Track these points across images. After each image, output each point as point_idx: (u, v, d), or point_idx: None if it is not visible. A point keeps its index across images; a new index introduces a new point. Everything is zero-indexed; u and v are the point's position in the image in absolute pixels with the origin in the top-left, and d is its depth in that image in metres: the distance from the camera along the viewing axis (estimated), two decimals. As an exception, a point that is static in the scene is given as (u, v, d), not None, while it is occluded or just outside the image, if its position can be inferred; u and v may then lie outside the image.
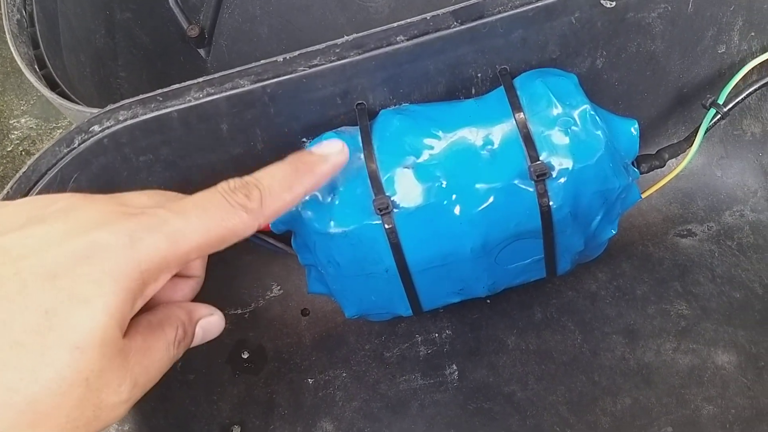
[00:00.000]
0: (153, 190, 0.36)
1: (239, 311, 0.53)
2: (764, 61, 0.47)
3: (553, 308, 0.50)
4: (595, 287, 0.51)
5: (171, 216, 0.29)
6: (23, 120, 1.28)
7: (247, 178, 0.34)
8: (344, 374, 0.50)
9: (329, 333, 0.52)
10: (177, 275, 0.33)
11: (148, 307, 0.31)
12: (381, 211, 0.40)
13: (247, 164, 0.46)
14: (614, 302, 0.50)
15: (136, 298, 0.28)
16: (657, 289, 0.50)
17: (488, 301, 0.51)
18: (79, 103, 0.46)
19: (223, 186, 0.32)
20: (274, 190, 0.34)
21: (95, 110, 0.43)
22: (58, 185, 0.42)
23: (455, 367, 0.49)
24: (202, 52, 0.74)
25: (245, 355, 0.52)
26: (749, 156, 0.54)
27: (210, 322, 0.35)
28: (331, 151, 0.37)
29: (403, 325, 0.51)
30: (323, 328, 0.52)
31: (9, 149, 1.21)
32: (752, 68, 0.47)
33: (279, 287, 0.54)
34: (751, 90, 0.47)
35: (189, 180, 0.46)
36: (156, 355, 0.30)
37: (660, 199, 0.55)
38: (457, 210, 0.41)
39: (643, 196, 0.48)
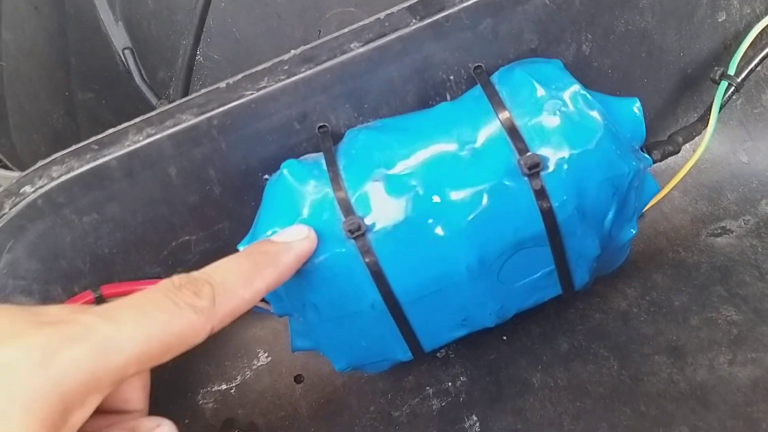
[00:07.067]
0: (76, 304, 0.31)
1: (224, 387, 0.47)
2: (772, 22, 0.42)
3: (581, 335, 0.43)
4: (625, 305, 0.44)
5: (98, 322, 0.24)
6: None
7: (195, 273, 0.29)
8: (349, 444, 0.43)
9: (328, 399, 0.45)
10: (109, 411, 0.28)
11: None
12: (352, 233, 0.34)
13: (206, 214, 0.42)
14: (650, 319, 0.43)
15: (57, 429, 0.22)
16: (698, 297, 0.43)
17: (504, 337, 0.45)
18: (13, 170, 0.42)
19: (165, 283, 0.27)
20: (228, 286, 0.28)
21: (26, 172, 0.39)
22: (-11, 256, 0.37)
23: (476, 418, 0.42)
24: (175, 126, 0.70)
25: (236, 437, 0.45)
26: (776, 135, 0.47)
27: None
28: (295, 238, 0.33)
29: (411, 377, 0.45)
30: (321, 394, 0.46)
31: None
32: (760, 32, 0.42)
33: (266, 354, 0.48)
34: (763, 54, 0.42)
35: (144, 240, 0.41)
36: None
37: (684, 199, 0.48)
38: (441, 223, 0.35)
39: (664, 188, 0.42)
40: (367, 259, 0.34)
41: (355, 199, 0.35)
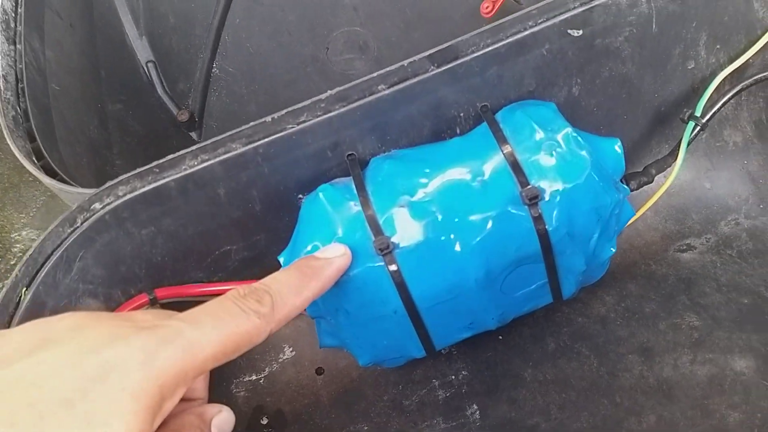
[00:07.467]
0: (152, 309, 0.37)
1: (254, 377, 0.53)
2: (733, 71, 0.49)
3: (566, 336, 0.50)
4: (604, 311, 0.51)
5: (185, 326, 0.29)
6: (24, 233, 1.28)
7: (255, 284, 0.34)
8: (366, 428, 0.49)
9: (346, 389, 0.52)
10: (181, 399, 0.33)
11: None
12: (382, 251, 0.40)
13: (247, 227, 0.48)
14: (625, 323, 0.50)
15: (155, 415, 0.27)
16: (665, 304, 0.50)
17: (500, 337, 0.51)
18: (75, 185, 0.48)
19: (233, 293, 0.33)
20: (283, 295, 0.34)
21: (95, 190, 0.44)
22: (65, 265, 0.42)
23: (476, 407, 0.48)
24: (193, 135, 0.76)
25: (264, 421, 0.51)
26: (735, 165, 0.55)
27: (223, 419, 0.34)
28: (334, 255, 0.39)
29: (419, 371, 0.51)
30: (339, 385, 0.52)
31: (12, 263, 1.21)
32: (723, 79, 0.49)
33: (291, 349, 0.54)
34: (726, 99, 0.49)
35: (192, 249, 0.47)
36: None
37: (655, 218, 0.55)
38: (456, 242, 0.41)
39: (638, 212, 0.49)
40: (393, 273, 0.41)
41: (383, 221, 0.41)
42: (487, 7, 0.74)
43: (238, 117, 0.78)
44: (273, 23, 0.78)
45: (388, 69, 0.44)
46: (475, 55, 0.44)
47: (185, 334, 0.29)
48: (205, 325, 0.30)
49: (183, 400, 0.35)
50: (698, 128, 0.49)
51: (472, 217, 0.41)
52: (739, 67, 0.49)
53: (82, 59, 0.66)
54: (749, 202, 0.54)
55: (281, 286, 0.35)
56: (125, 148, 0.68)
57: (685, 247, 0.54)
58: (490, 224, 0.41)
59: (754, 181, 0.54)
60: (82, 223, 0.43)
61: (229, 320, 0.31)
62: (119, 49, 0.71)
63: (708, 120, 0.49)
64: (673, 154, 0.49)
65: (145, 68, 0.73)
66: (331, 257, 0.39)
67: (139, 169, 0.43)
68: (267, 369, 0.53)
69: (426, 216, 0.41)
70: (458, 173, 0.43)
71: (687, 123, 0.49)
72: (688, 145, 0.49)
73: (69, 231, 0.43)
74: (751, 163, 0.54)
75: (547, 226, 0.41)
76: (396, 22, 0.78)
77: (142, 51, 0.73)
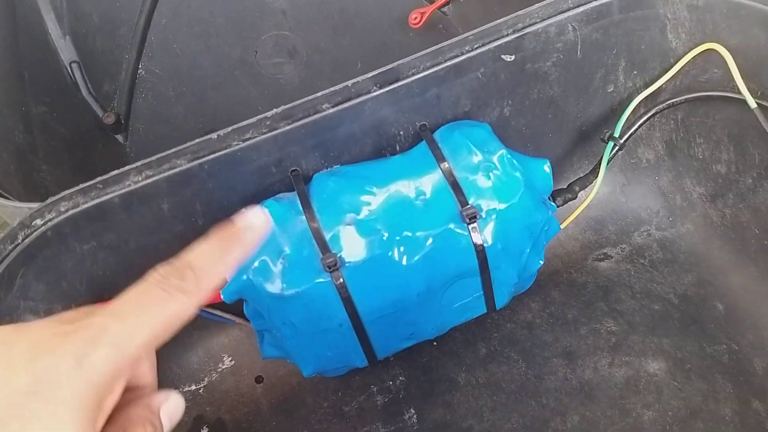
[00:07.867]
0: (86, 306, 0.37)
1: (194, 387, 0.54)
2: (648, 95, 0.53)
3: (496, 341, 0.53)
4: (530, 317, 0.55)
5: (109, 321, 0.28)
6: None
7: (174, 261, 0.33)
8: (306, 434, 0.51)
9: (286, 397, 0.53)
10: (127, 388, 0.32)
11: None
12: (330, 268, 0.42)
13: (188, 240, 0.48)
14: (550, 328, 0.54)
15: (96, 417, 0.27)
16: (585, 311, 0.54)
17: (435, 343, 0.54)
18: (12, 199, 0.47)
19: (153, 275, 0.31)
20: (206, 267, 0.33)
21: (33, 205, 0.44)
22: (7, 282, 0.41)
23: (413, 411, 0.51)
24: (120, 137, 0.75)
25: (205, 431, 0.52)
26: (647, 180, 0.59)
27: (171, 406, 0.33)
28: (253, 219, 0.37)
29: (358, 378, 0.53)
30: (279, 393, 0.53)
31: None
32: (639, 102, 0.53)
33: (231, 358, 0.55)
34: (642, 121, 0.53)
35: (133, 263, 0.47)
36: None
37: (576, 229, 0.59)
38: (400, 259, 0.43)
39: (562, 226, 0.52)
40: (339, 288, 0.43)
41: (329, 237, 0.43)
42: (415, 18, 0.76)
43: (166, 119, 0.77)
44: (200, 24, 0.77)
45: (332, 89, 0.45)
46: (416, 77, 0.46)
47: (111, 330, 0.28)
48: (130, 316, 0.29)
49: (130, 388, 0.34)
50: (617, 148, 0.52)
51: (416, 235, 0.44)
52: (654, 91, 0.53)
53: (4, 61, 0.64)
54: (660, 214, 0.59)
55: (203, 257, 0.33)
56: (51, 152, 0.66)
57: (602, 257, 0.58)
58: (431, 241, 0.44)
59: (664, 196, 0.59)
60: (23, 240, 0.42)
61: (153, 305, 0.30)
62: (42, 50, 0.69)
63: (626, 140, 0.53)
64: (594, 171, 0.53)
65: (69, 69, 0.71)
66: (250, 221, 0.37)
67: (82, 185, 0.43)
68: (206, 379, 0.54)
69: (372, 234, 0.43)
70: (402, 192, 0.45)
71: (607, 143, 0.53)
72: (608, 164, 0.53)
73: (10, 248, 0.42)
74: (661, 179, 0.59)
75: (484, 243, 0.44)
76: (325, 28, 0.79)
77: (66, 51, 0.71)
